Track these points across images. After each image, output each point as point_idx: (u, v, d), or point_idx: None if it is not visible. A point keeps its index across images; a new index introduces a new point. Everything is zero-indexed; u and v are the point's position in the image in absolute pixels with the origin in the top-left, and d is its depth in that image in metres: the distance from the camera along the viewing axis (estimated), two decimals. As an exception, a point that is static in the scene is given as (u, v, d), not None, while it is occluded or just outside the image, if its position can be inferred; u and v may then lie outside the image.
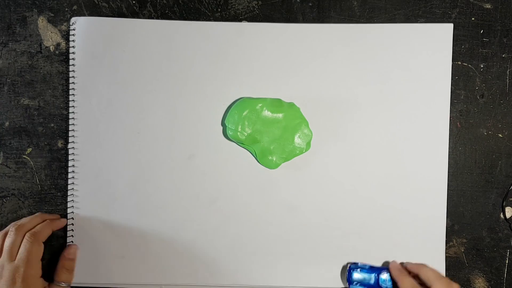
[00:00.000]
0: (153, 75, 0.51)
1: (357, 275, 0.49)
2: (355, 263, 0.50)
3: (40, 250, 0.47)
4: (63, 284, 0.49)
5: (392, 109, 0.51)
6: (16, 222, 0.48)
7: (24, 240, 0.47)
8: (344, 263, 0.51)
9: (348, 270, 0.49)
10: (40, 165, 0.52)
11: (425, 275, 0.46)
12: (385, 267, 0.49)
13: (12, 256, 0.46)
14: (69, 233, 0.51)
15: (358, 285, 0.49)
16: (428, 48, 0.51)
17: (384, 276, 0.48)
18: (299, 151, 0.50)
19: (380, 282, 0.48)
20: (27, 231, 0.47)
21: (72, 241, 0.51)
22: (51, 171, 0.52)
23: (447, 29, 0.51)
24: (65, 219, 0.52)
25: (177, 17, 0.52)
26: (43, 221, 0.49)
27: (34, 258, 0.46)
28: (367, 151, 0.51)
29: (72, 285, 0.51)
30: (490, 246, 0.52)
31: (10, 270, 0.45)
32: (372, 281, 0.48)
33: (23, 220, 0.49)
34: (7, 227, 0.48)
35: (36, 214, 0.51)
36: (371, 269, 0.49)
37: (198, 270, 0.51)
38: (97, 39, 0.51)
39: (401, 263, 0.50)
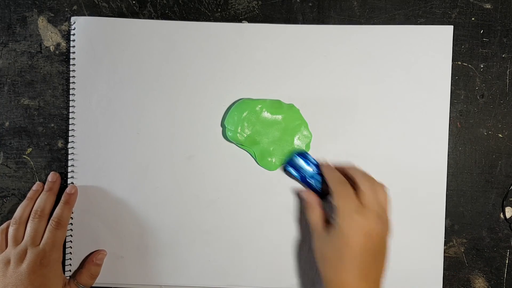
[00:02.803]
0: (153, 75, 0.51)
1: (299, 161, 0.49)
2: (306, 153, 0.49)
3: (64, 235, 0.49)
4: (82, 287, 0.49)
5: (392, 110, 0.51)
6: (35, 208, 0.49)
7: (49, 226, 0.48)
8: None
9: (298, 154, 0.49)
10: (40, 165, 0.52)
11: (351, 174, 0.46)
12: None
13: (35, 241, 0.47)
14: (68, 233, 0.51)
15: (293, 169, 0.49)
16: (428, 50, 0.51)
17: (316, 176, 0.48)
18: (299, 152, 0.50)
19: (310, 179, 0.48)
20: (49, 215, 0.49)
21: (71, 241, 0.51)
22: (51, 171, 0.52)
23: (447, 31, 0.51)
24: (74, 186, 0.51)
25: (177, 17, 0.52)
26: (64, 204, 0.49)
27: (58, 243, 0.48)
28: (366, 152, 0.51)
29: (72, 285, 0.52)
30: (490, 246, 0.52)
31: (35, 254, 0.46)
32: (306, 174, 0.49)
33: (40, 204, 0.49)
34: (18, 215, 0.49)
35: (45, 192, 0.50)
36: (314, 164, 0.49)
37: (196, 270, 0.51)
38: (97, 39, 0.51)
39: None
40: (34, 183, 0.52)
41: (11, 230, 0.48)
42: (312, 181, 0.48)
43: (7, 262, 0.46)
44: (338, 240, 0.42)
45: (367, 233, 0.42)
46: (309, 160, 0.49)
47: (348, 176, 0.46)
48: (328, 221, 0.46)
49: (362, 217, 0.42)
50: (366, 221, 0.42)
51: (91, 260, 0.50)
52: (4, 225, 0.49)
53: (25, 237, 0.47)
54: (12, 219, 0.49)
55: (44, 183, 0.52)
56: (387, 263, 0.44)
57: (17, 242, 0.47)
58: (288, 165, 0.49)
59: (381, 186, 0.45)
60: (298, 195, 0.51)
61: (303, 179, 0.49)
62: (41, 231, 0.48)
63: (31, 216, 0.48)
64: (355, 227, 0.42)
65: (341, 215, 0.43)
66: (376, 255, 0.43)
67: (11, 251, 0.46)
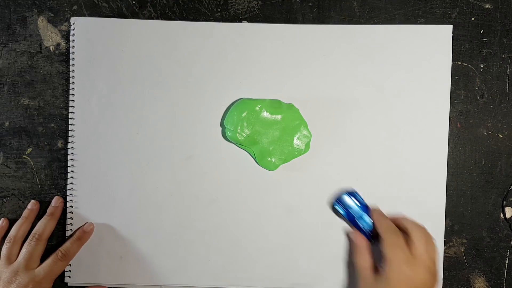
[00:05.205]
0: (153, 75, 0.51)
1: (348, 200, 0.49)
2: (356, 193, 0.49)
3: (63, 268, 0.48)
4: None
5: (391, 110, 0.51)
6: (34, 231, 0.48)
7: (54, 255, 0.47)
8: (343, 263, 0.51)
9: (347, 193, 0.49)
10: (40, 165, 0.52)
11: (403, 224, 0.46)
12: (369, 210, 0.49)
13: (29, 265, 0.46)
14: (68, 233, 0.51)
15: (340, 207, 0.49)
16: (427, 49, 0.51)
17: (367, 218, 0.48)
18: (298, 152, 0.50)
19: (359, 220, 0.48)
20: (47, 240, 0.49)
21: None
22: (51, 171, 0.52)
23: (447, 30, 0.51)
24: (91, 224, 0.50)
25: (177, 17, 0.52)
26: (77, 239, 0.49)
27: (55, 274, 0.47)
28: (366, 152, 0.51)
29: (71, 285, 0.51)
30: (490, 246, 0.52)
31: (27, 278, 0.45)
32: (355, 214, 0.48)
33: (40, 228, 0.49)
34: (12, 234, 0.48)
35: (46, 216, 0.50)
36: (363, 205, 0.49)
37: (196, 270, 0.51)
38: (97, 39, 0.51)
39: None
40: (34, 183, 0.52)
41: (4, 248, 0.47)
42: (361, 223, 0.48)
43: None
44: None
45: (415, 286, 0.42)
46: (358, 201, 0.49)
47: (399, 225, 0.46)
48: (375, 267, 0.45)
49: (411, 269, 0.42)
50: (415, 274, 0.42)
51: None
52: None
53: (18, 258, 0.47)
54: (7, 237, 0.48)
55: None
56: None
57: (9, 261, 0.47)
58: (337, 202, 0.49)
59: (431, 237, 0.45)
60: (347, 236, 0.50)
61: (350, 219, 0.49)
62: (36, 255, 0.47)
63: (29, 238, 0.48)
64: (404, 279, 0.42)
65: (390, 266, 0.43)
66: None
67: (2, 270, 0.46)
